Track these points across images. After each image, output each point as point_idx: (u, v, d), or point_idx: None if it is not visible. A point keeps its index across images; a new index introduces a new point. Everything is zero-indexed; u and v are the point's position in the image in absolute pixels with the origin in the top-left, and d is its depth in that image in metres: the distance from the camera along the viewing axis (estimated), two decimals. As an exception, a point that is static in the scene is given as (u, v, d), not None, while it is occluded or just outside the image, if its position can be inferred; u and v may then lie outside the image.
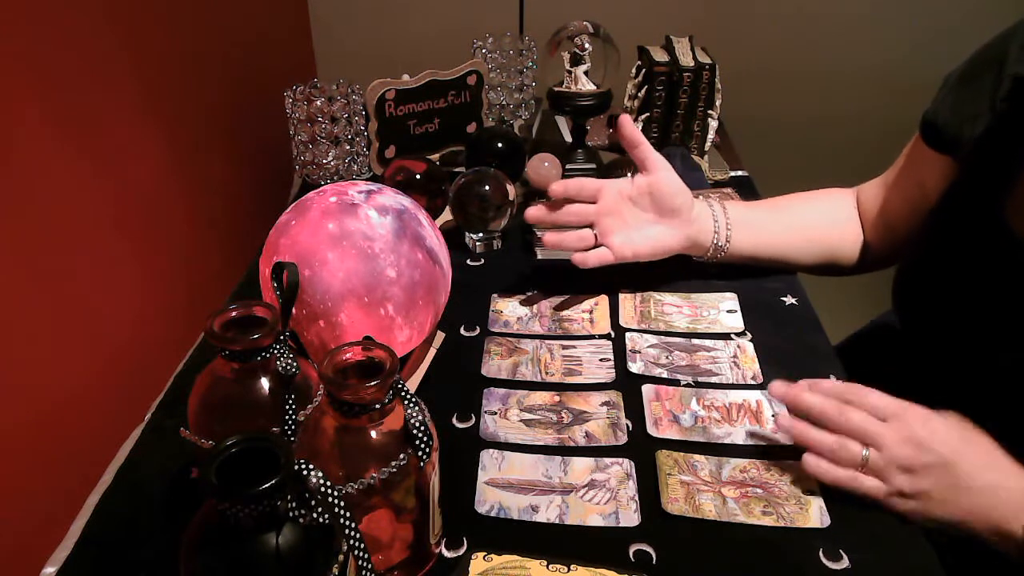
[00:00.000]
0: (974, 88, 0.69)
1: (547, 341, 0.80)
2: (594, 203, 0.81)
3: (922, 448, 0.57)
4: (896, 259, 0.81)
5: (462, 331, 0.82)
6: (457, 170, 1.05)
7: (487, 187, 0.92)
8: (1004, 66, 0.66)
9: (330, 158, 1.10)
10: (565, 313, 0.84)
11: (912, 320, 0.78)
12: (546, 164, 1.02)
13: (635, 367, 0.76)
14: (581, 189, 0.80)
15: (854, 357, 0.84)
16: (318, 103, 1.05)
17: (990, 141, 0.67)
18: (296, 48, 1.57)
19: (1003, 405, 0.63)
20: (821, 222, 0.87)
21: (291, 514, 0.40)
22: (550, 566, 0.51)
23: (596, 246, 0.81)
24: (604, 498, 0.61)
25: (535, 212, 0.81)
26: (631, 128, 0.79)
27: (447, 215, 0.98)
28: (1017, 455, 0.62)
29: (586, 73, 1.09)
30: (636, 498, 0.61)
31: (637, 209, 0.80)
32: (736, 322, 0.82)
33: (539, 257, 0.95)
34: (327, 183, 0.84)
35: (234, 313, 0.54)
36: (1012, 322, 0.64)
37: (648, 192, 0.79)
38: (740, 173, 1.16)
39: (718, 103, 1.10)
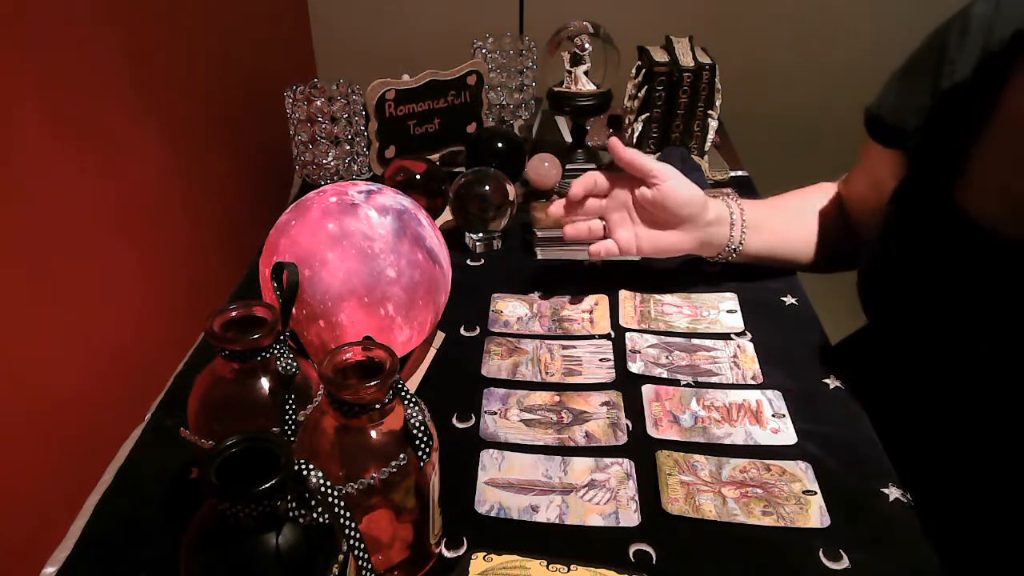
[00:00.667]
0: (917, 80, 0.71)
1: (547, 341, 0.80)
2: (606, 197, 0.81)
3: None
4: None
5: (462, 331, 0.82)
6: (457, 170, 1.05)
7: (487, 187, 0.92)
8: (945, 55, 0.67)
9: (330, 158, 1.10)
10: (565, 313, 0.84)
11: (880, 317, 0.78)
12: (546, 164, 1.02)
13: (635, 367, 0.76)
14: (596, 183, 0.81)
15: (854, 357, 0.84)
16: (318, 103, 1.05)
17: (936, 128, 0.68)
18: (296, 48, 1.57)
19: (994, 391, 0.63)
20: (819, 219, 0.87)
21: (291, 514, 0.40)
22: (550, 566, 0.51)
23: (605, 239, 0.82)
24: (604, 498, 0.61)
25: (557, 208, 0.82)
26: (624, 150, 0.78)
27: (447, 215, 0.98)
28: (1016, 443, 0.62)
29: (586, 73, 1.09)
30: (636, 498, 0.61)
31: (645, 212, 0.81)
32: (736, 322, 0.82)
33: (539, 257, 0.95)
34: (327, 183, 0.84)
35: (234, 313, 0.54)
36: (978, 304, 0.64)
37: (653, 204, 0.79)
38: (740, 173, 1.16)
39: (718, 103, 1.10)
